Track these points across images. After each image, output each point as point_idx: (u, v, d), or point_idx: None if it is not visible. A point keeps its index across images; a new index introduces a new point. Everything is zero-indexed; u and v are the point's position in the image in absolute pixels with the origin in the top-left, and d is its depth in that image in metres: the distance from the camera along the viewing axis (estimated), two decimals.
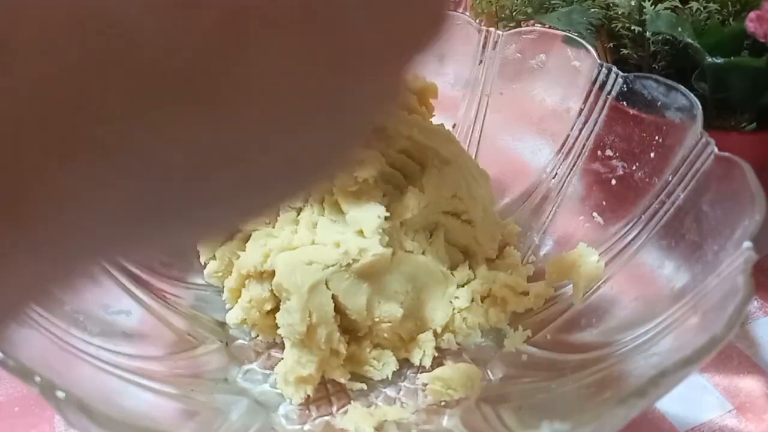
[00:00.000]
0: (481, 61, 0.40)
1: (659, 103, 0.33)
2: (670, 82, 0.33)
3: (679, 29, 0.35)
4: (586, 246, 0.33)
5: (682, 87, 0.32)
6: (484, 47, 0.40)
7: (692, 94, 0.32)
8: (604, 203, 0.36)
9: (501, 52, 0.40)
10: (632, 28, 0.37)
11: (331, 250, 0.30)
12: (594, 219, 0.36)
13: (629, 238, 0.33)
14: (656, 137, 0.34)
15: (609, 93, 0.36)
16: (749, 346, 0.36)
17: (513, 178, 0.41)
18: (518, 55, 0.39)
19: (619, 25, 0.37)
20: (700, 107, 0.31)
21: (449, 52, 0.41)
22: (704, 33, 0.35)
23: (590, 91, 0.36)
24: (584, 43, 0.37)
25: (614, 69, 0.35)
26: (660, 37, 0.36)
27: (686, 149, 0.31)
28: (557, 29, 0.38)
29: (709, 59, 0.34)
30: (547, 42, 0.38)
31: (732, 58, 0.34)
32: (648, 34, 0.36)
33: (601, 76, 0.36)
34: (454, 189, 0.33)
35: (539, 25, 0.39)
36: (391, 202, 0.31)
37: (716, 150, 0.30)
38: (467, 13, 0.51)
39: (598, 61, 0.36)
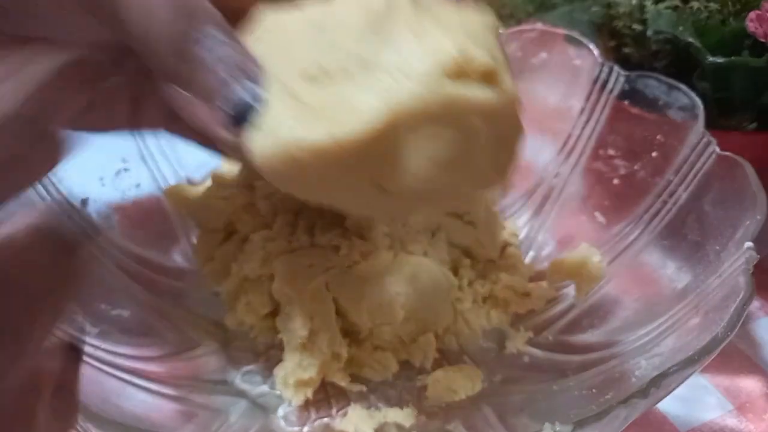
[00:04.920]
0: None
1: (661, 102, 0.33)
2: (671, 81, 0.33)
3: (680, 28, 0.35)
4: (588, 246, 0.33)
5: (684, 86, 0.32)
6: None
7: (694, 94, 0.32)
8: (606, 203, 0.36)
9: None
10: (633, 27, 0.37)
11: (331, 252, 0.29)
12: (596, 219, 0.36)
13: (631, 237, 0.33)
14: (658, 136, 0.33)
15: (611, 92, 0.35)
16: (750, 346, 0.36)
17: (515, 177, 0.41)
18: (519, 53, 0.39)
19: (621, 23, 0.37)
20: (702, 106, 0.31)
21: None
22: (705, 32, 0.35)
23: (592, 90, 0.36)
24: (585, 41, 0.36)
25: (616, 68, 0.35)
26: (661, 36, 0.36)
27: (688, 148, 0.31)
28: (559, 28, 0.38)
29: (710, 59, 0.34)
30: (548, 41, 0.38)
31: (732, 57, 0.34)
32: (649, 33, 0.36)
33: (603, 75, 0.36)
34: None
35: (540, 24, 0.39)
36: None
37: (718, 150, 0.30)
38: None
39: (600, 59, 0.36)
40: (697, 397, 0.33)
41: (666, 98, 0.33)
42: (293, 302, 0.29)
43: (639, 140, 0.34)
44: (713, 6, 0.35)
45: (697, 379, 0.34)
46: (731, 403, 0.33)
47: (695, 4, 0.35)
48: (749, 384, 0.34)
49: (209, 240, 0.34)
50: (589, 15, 0.38)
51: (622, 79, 0.35)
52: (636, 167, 0.34)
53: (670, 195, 0.32)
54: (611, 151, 0.36)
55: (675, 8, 0.36)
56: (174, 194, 0.35)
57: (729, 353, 0.35)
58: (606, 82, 0.35)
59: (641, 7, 0.36)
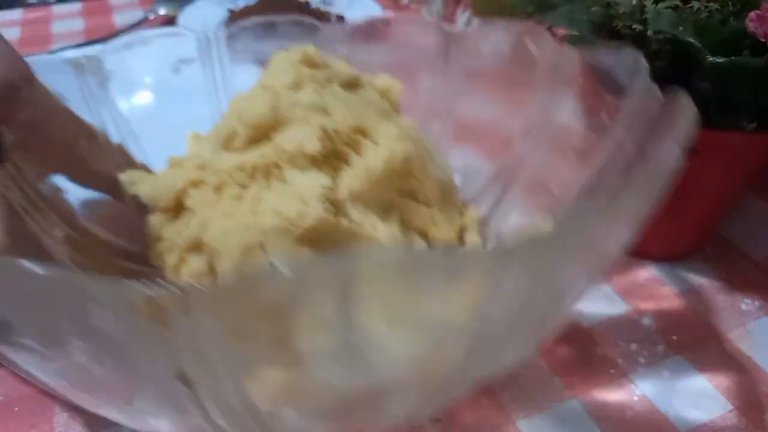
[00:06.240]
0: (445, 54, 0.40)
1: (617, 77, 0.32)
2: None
3: (680, 28, 0.35)
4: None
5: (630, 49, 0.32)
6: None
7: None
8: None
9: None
10: (633, 27, 0.37)
11: (271, 215, 0.28)
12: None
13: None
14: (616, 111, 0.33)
15: None
16: (750, 346, 0.36)
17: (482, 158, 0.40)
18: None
19: (621, 23, 0.37)
20: (645, 64, 0.30)
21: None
22: (705, 32, 0.35)
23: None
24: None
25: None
26: (661, 36, 0.36)
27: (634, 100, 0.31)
28: (559, 28, 0.38)
29: (710, 59, 0.34)
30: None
31: (732, 57, 0.34)
32: (649, 33, 0.36)
33: None
34: (408, 165, 0.31)
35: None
36: (340, 176, 0.30)
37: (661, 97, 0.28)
38: (467, 12, 0.51)
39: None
40: (697, 397, 0.33)
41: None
42: (223, 261, 0.28)
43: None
44: (713, 6, 0.35)
45: (697, 380, 0.34)
46: (731, 403, 0.33)
47: (695, 4, 0.35)
48: (749, 384, 0.34)
49: (158, 220, 0.32)
50: (589, 15, 0.38)
51: None
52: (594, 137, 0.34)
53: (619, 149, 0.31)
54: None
55: (675, 8, 0.36)
56: (129, 180, 0.33)
57: (729, 353, 0.35)
58: None
59: (641, 7, 0.36)
